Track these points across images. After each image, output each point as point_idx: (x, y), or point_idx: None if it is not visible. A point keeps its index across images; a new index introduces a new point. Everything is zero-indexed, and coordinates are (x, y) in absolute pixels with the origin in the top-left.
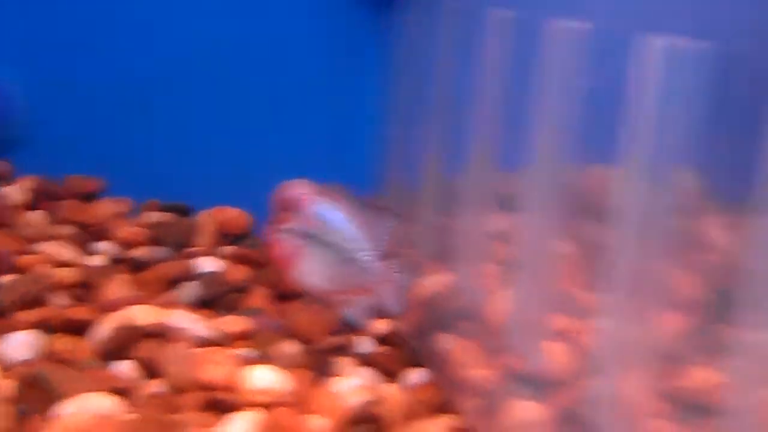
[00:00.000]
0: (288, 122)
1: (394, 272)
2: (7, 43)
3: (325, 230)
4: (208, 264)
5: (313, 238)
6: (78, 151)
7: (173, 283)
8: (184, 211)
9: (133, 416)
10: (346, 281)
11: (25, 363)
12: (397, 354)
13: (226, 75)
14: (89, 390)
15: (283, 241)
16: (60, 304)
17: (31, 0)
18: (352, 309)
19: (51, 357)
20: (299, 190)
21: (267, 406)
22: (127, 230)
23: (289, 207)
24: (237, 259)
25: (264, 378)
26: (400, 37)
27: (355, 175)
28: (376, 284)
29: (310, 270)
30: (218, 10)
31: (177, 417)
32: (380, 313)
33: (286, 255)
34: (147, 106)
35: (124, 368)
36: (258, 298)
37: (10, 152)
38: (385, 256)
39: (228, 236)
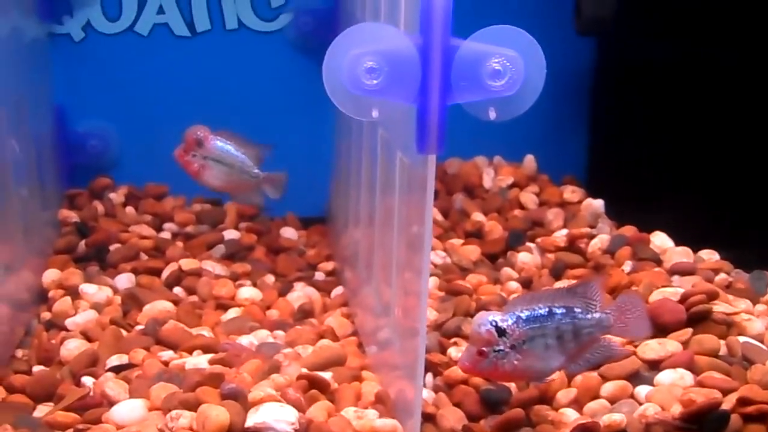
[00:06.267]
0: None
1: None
2: (107, 104)
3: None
4: (231, 234)
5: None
6: (151, 170)
7: (210, 246)
8: (217, 203)
9: (183, 308)
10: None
11: (126, 289)
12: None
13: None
14: (159, 299)
15: (190, 161)
16: (144, 259)
17: (122, 77)
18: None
19: (139, 286)
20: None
21: (246, 306)
22: (182, 216)
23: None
24: (249, 231)
25: (248, 293)
26: None
27: None
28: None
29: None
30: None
31: (202, 311)
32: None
33: None
34: None
35: (178, 291)
36: (259, 252)
37: (111, 172)
38: None
39: (243, 217)
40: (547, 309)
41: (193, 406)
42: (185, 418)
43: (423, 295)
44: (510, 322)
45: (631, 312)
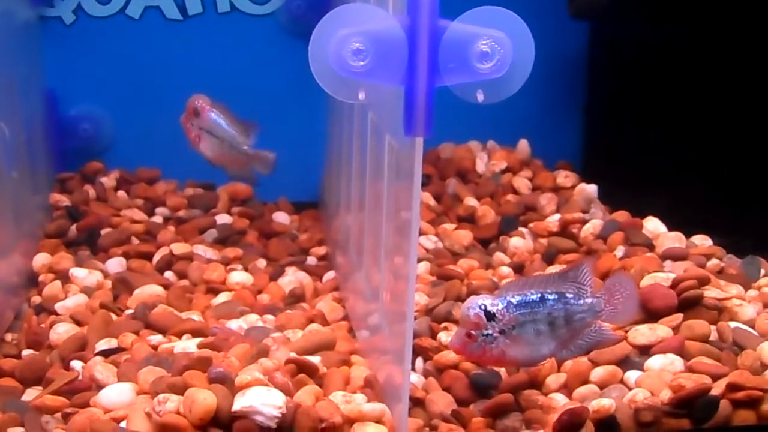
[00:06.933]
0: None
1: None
2: (99, 88)
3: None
4: (223, 218)
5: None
6: (143, 154)
7: (202, 230)
8: (209, 187)
9: (173, 292)
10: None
11: (117, 273)
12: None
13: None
14: (150, 283)
15: (190, 129)
16: (135, 243)
17: (113, 60)
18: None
19: (130, 270)
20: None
21: (237, 290)
22: (174, 200)
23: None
24: (241, 215)
25: (239, 277)
26: None
27: None
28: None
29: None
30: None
31: (192, 296)
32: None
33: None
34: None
35: (169, 275)
36: (251, 237)
37: (103, 156)
38: None
39: (236, 201)
40: (539, 295)
41: (180, 390)
42: (172, 401)
43: (411, 279)
44: (500, 306)
45: (621, 293)
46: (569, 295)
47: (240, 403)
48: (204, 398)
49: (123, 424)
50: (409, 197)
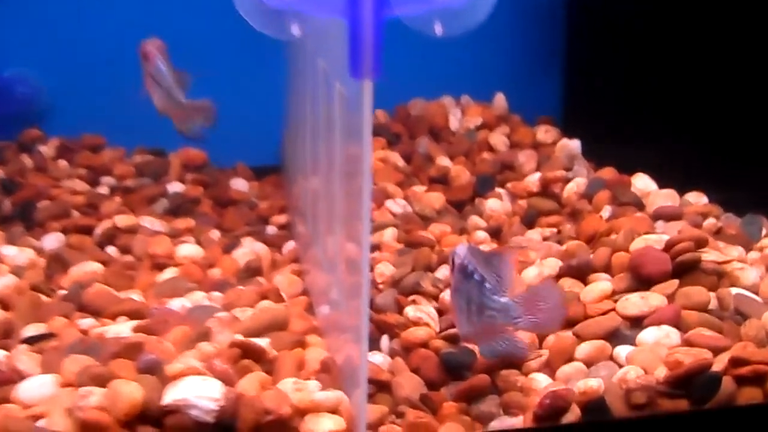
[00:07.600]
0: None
1: None
2: (35, 52)
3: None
4: (175, 187)
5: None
6: (87, 119)
7: (152, 200)
8: (160, 153)
9: (113, 270)
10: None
11: (52, 250)
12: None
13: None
14: (89, 261)
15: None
16: (76, 217)
17: (52, 24)
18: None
19: (69, 246)
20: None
21: (185, 264)
22: (121, 168)
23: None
24: (195, 183)
25: (187, 250)
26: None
27: None
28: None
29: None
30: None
31: (135, 273)
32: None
33: None
34: (132, 86)
35: (112, 251)
36: (206, 206)
37: (41, 123)
38: None
39: (189, 168)
40: (473, 269)
41: (105, 382)
42: (95, 395)
43: (365, 247)
44: (456, 262)
45: (545, 303)
46: (488, 285)
47: (171, 396)
48: (129, 391)
49: (42, 423)
50: (359, 149)
